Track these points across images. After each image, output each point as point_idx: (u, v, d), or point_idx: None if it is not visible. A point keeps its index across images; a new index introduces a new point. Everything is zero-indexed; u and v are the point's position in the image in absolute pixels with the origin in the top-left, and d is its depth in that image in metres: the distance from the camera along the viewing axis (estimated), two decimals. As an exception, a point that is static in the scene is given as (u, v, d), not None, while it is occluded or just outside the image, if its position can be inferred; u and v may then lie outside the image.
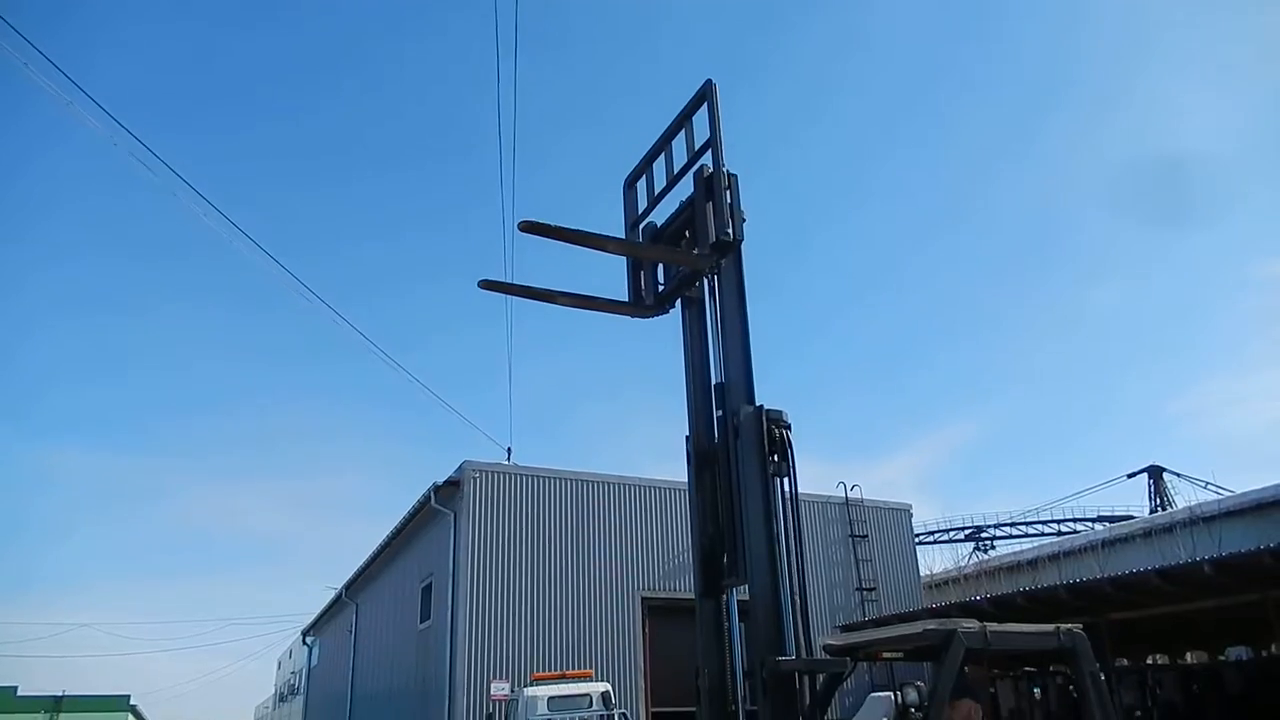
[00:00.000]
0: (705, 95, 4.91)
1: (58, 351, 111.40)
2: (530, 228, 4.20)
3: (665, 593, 19.23)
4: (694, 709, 4.56)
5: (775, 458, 4.49)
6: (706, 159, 4.98)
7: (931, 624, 4.19)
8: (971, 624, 4.09)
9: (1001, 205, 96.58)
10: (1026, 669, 15.87)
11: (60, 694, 54.09)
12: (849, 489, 22.87)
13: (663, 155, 5.38)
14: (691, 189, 5.04)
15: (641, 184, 5.62)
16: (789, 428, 4.57)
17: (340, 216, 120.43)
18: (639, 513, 19.94)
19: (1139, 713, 12.81)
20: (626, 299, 5.33)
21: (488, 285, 4.55)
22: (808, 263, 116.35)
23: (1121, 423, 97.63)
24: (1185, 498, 32.21)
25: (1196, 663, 17.96)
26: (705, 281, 5.06)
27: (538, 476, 19.39)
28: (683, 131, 5.17)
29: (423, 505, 19.67)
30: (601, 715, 15.04)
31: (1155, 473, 37.63)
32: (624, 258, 5.36)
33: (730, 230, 4.70)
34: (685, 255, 4.93)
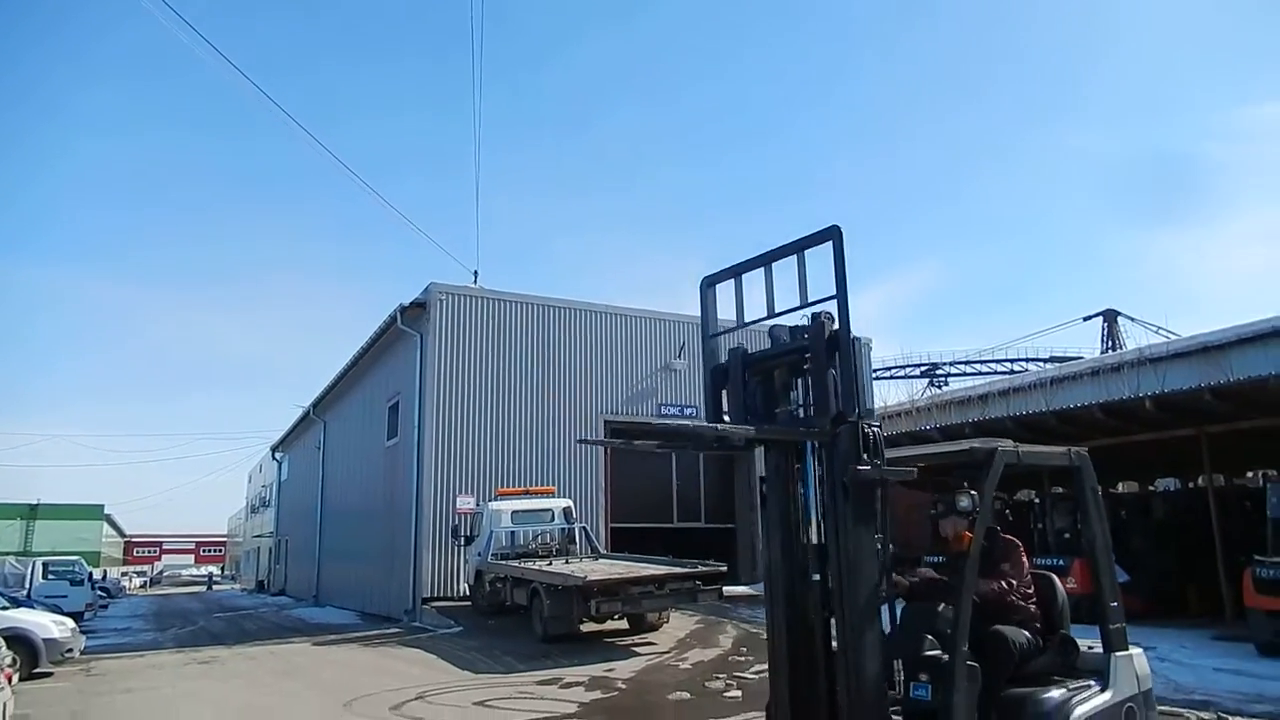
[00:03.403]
0: (829, 236, 4.22)
1: (34, 173, 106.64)
2: (593, 442, 3.79)
3: (627, 416, 19.63)
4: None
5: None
6: (828, 307, 4.31)
7: (976, 441, 4.59)
8: (1008, 443, 4.45)
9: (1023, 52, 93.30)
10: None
11: (36, 501, 55.21)
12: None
13: (760, 271, 4.64)
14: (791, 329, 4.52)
15: (724, 288, 4.86)
16: (880, 426, 4.33)
17: (316, 39, 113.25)
18: (604, 339, 20.10)
19: (1068, 535, 13.67)
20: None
21: (586, 441, 4.14)
22: (798, 96, 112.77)
23: (1083, 271, 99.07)
24: (1137, 341, 32.89)
25: (1127, 492, 19.03)
26: None
27: (504, 300, 19.35)
28: (794, 258, 4.44)
29: (389, 325, 19.65)
30: (563, 529, 15.72)
31: (1110, 316, 38.19)
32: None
33: (857, 406, 4.15)
34: (801, 434, 4.38)
